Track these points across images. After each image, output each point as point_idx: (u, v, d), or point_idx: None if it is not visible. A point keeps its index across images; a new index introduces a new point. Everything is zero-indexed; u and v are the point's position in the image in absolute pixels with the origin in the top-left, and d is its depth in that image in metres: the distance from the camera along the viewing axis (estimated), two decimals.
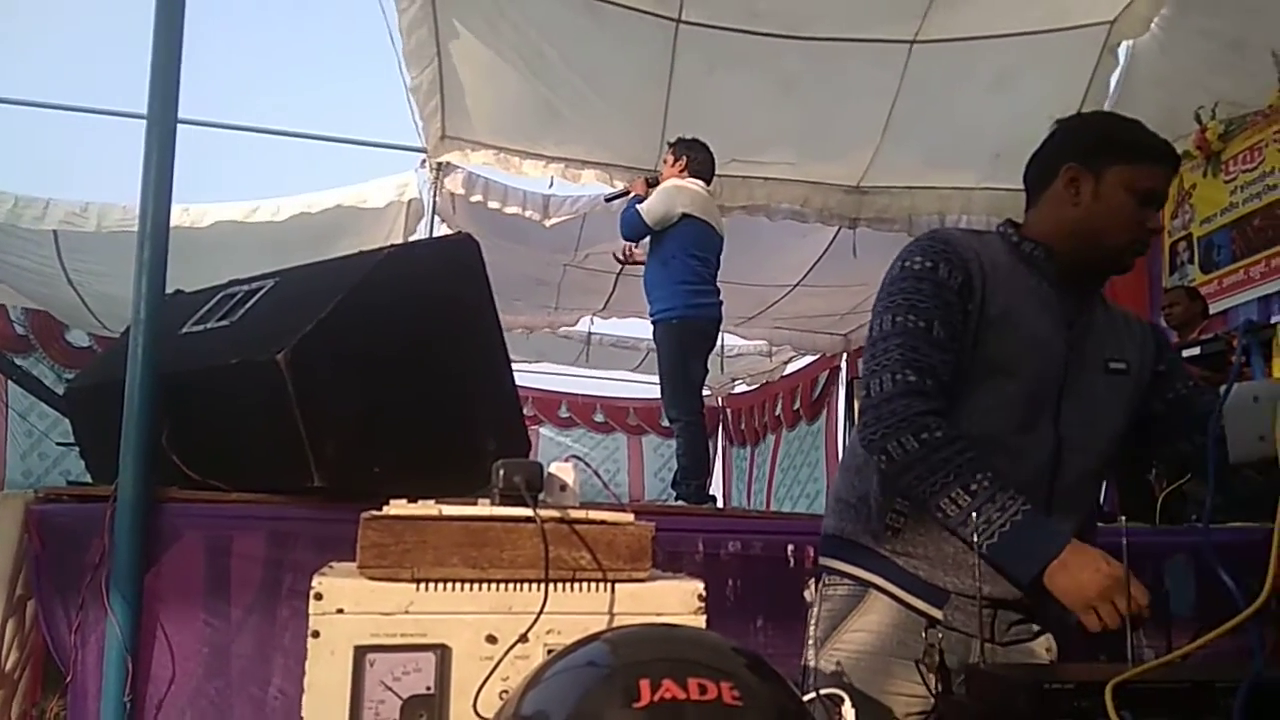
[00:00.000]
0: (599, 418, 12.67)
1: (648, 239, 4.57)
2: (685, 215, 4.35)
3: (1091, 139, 1.58)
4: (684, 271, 4.33)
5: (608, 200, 5.65)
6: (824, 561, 1.65)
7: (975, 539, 1.35)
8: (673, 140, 4.73)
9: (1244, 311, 5.35)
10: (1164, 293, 5.63)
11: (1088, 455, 1.58)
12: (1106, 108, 5.46)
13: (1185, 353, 4.27)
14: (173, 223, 2.38)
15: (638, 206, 4.42)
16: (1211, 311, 5.33)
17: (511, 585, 1.07)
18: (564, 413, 12.42)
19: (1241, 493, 1.51)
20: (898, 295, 1.51)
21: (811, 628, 1.60)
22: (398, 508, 1.11)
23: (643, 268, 4.69)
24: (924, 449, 1.41)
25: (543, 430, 11.98)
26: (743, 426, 12.84)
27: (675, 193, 4.39)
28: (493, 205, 6.41)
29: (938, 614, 1.49)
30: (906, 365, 1.45)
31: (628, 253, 5.01)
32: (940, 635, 1.33)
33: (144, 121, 2.37)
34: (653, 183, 4.69)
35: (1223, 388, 1.36)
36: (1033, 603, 1.48)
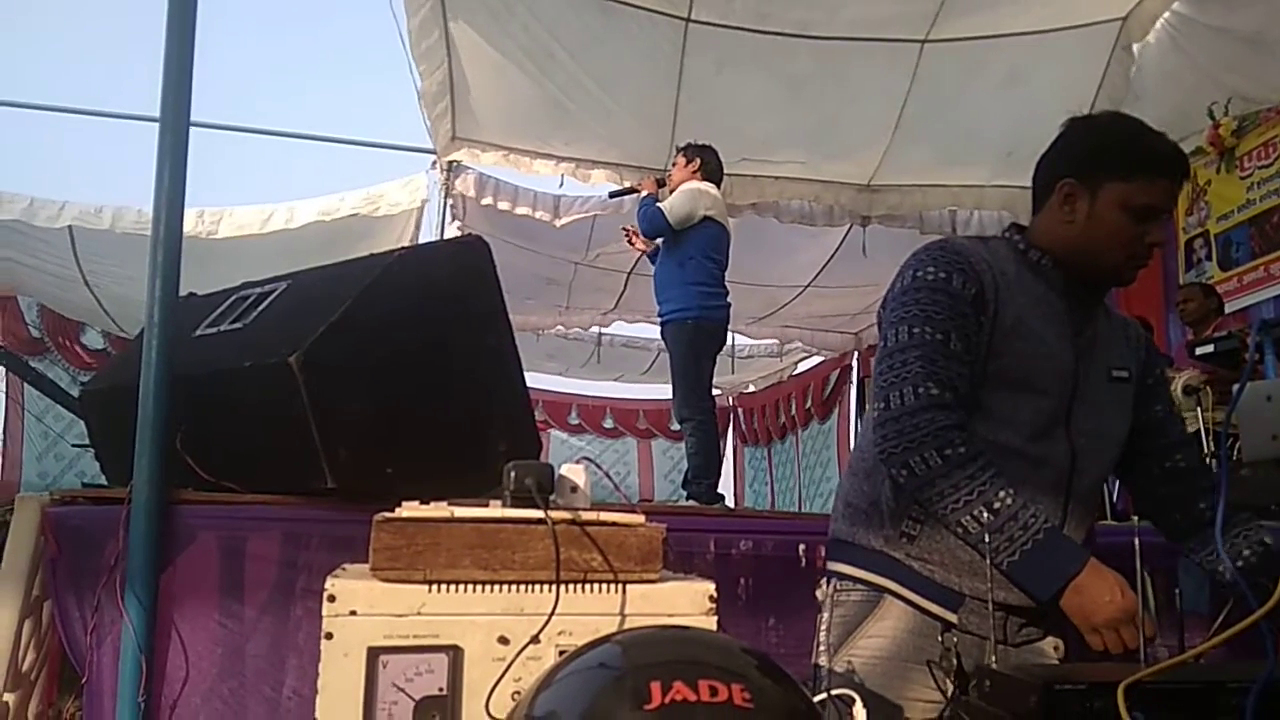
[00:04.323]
0: (608, 423, 12.70)
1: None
2: (707, 217, 4.37)
3: (1087, 152, 1.55)
4: (700, 273, 4.34)
5: (612, 196, 5.64)
6: (835, 566, 1.63)
7: (996, 556, 1.35)
8: (682, 144, 4.73)
9: (1264, 309, 5.31)
10: (1178, 289, 5.61)
11: (1100, 463, 1.59)
12: (1119, 105, 5.44)
13: (1199, 350, 4.25)
14: (187, 226, 2.40)
15: (660, 205, 4.41)
16: (1231, 309, 5.30)
17: (523, 586, 1.07)
18: (574, 419, 12.45)
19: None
20: (912, 306, 1.49)
21: (823, 633, 1.59)
22: (410, 510, 1.11)
23: (652, 267, 4.69)
24: (947, 465, 1.40)
25: (553, 432, 12.00)
26: (755, 426, 12.83)
27: (699, 195, 4.40)
28: (503, 206, 6.43)
29: (953, 618, 1.48)
30: (928, 378, 1.43)
31: (633, 239, 4.99)
32: (955, 639, 1.33)
33: (157, 125, 2.39)
34: (662, 182, 4.69)
35: (1235, 387, 1.36)
36: (1043, 608, 1.48)
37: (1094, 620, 1.35)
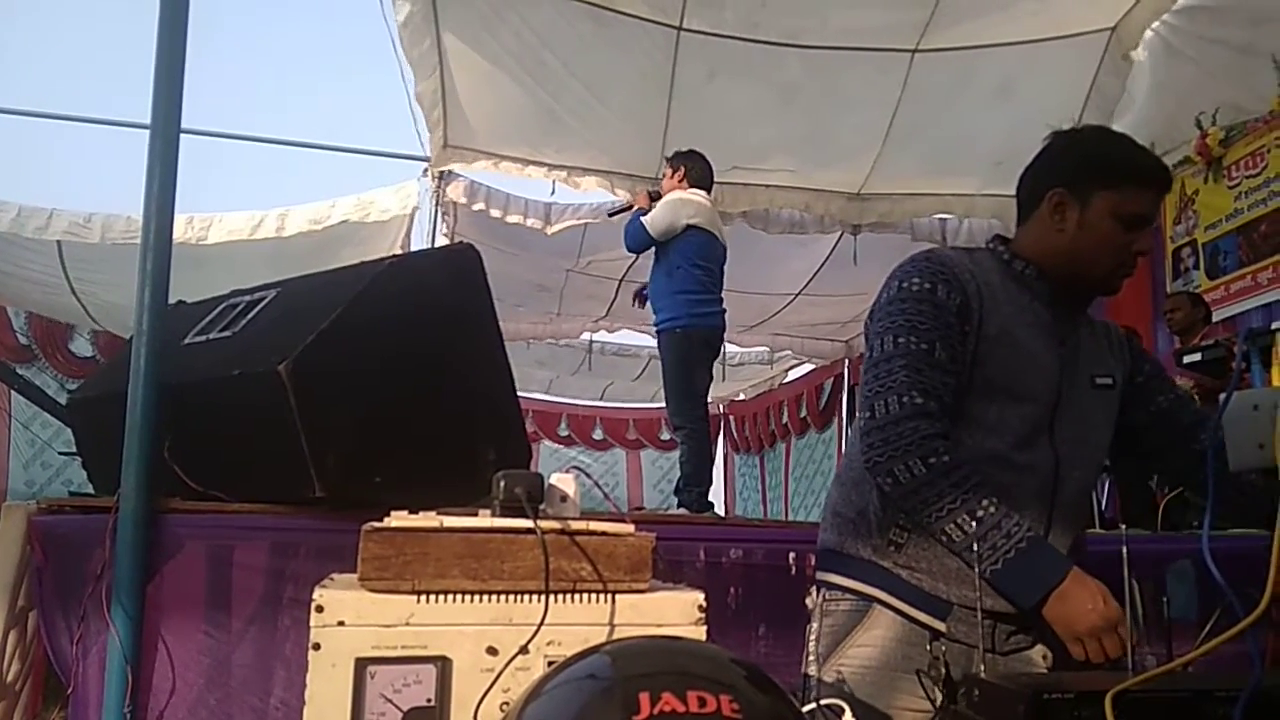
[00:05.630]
0: (598, 434, 12.73)
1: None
2: (690, 226, 4.37)
3: (1077, 162, 1.57)
4: (688, 281, 4.34)
5: (610, 215, 5.66)
6: (823, 576, 1.64)
7: (979, 565, 1.36)
8: (669, 154, 4.75)
9: (1251, 318, 5.34)
10: (1166, 298, 5.63)
11: (1084, 470, 1.60)
12: (1109, 114, 5.47)
13: (1186, 359, 4.27)
14: (176, 232, 2.39)
15: (642, 219, 4.42)
16: (1218, 317, 5.33)
17: (512, 597, 1.07)
18: (563, 430, 12.46)
19: (1244, 504, 1.52)
20: (898, 316, 1.51)
21: (812, 643, 1.59)
22: (399, 519, 1.11)
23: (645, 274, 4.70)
24: (931, 473, 1.41)
25: (543, 443, 12.02)
26: (746, 434, 12.83)
27: (679, 204, 4.40)
28: (494, 213, 6.43)
29: (941, 626, 1.49)
30: (912, 387, 1.45)
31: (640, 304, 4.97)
32: (944, 648, 1.33)
33: (147, 132, 2.38)
34: (655, 195, 4.70)
35: (1222, 396, 1.37)
36: (1030, 616, 1.49)
37: (1076, 629, 1.36)
